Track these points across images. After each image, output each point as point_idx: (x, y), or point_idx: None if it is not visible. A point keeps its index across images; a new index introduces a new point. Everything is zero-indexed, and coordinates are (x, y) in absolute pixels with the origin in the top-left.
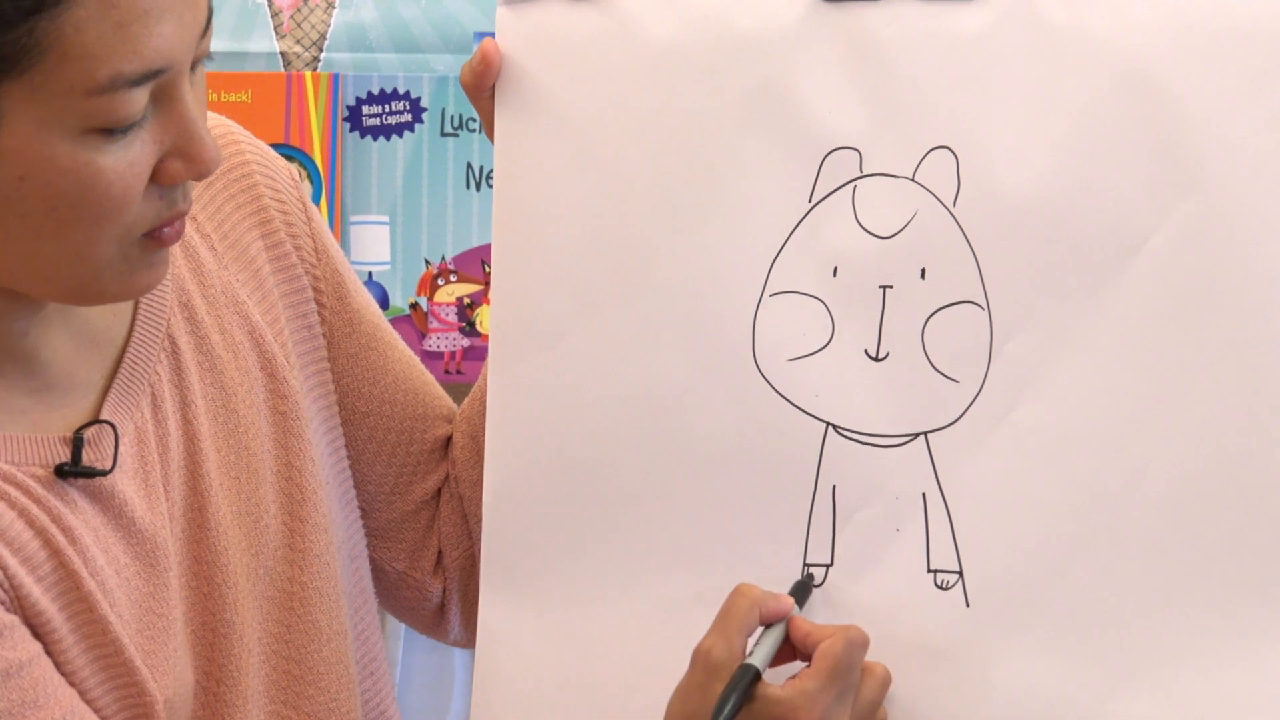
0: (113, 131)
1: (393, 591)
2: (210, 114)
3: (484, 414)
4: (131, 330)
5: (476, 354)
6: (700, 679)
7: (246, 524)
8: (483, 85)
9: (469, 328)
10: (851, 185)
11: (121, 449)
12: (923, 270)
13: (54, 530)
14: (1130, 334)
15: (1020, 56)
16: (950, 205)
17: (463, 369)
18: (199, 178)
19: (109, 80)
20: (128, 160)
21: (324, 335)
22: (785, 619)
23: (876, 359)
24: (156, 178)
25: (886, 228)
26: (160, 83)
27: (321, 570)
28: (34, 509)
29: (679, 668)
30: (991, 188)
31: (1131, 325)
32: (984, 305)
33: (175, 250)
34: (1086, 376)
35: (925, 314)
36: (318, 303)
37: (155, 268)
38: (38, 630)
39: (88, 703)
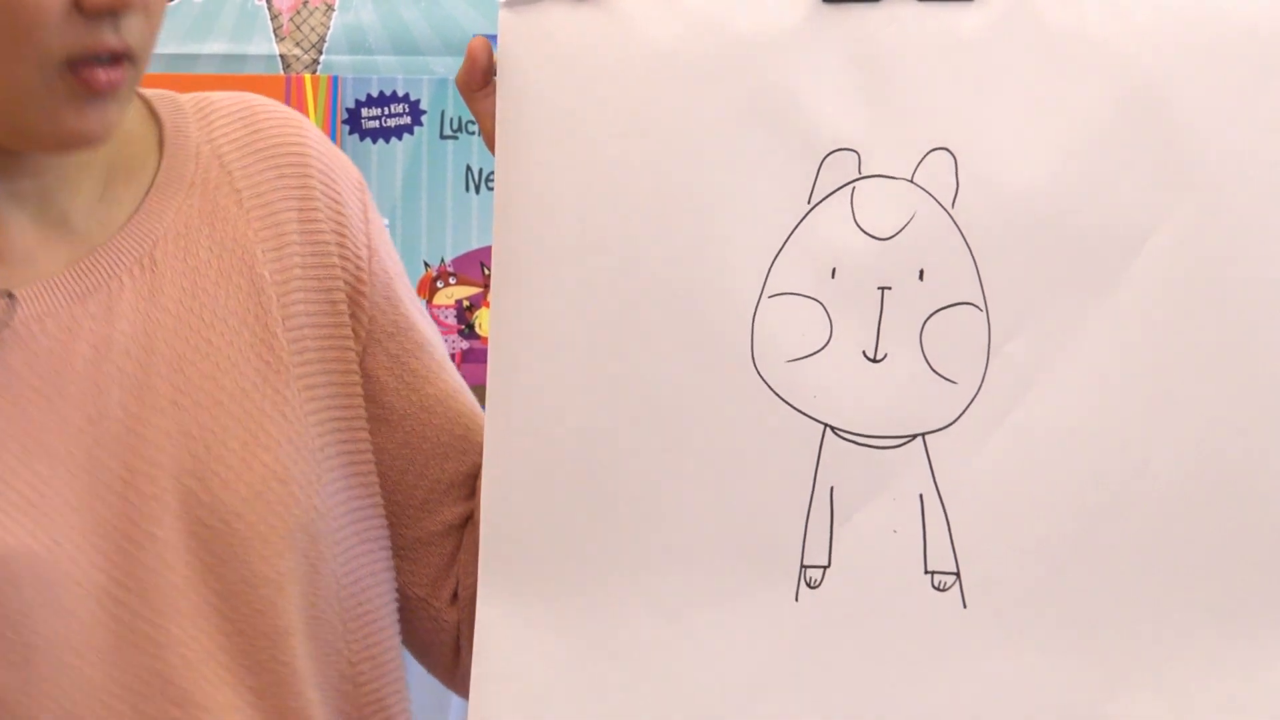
0: None
1: (412, 622)
2: (283, 107)
3: None
4: (112, 240)
5: (476, 356)
6: None
7: (197, 449)
8: (474, 84)
9: (468, 330)
10: (850, 186)
11: (34, 331)
12: (921, 271)
13: None
14: (1129, 335)
15: (1019, 58)
16: (949, 206)
17: (462, 372)
18: (119, 8)
19: None
20: None
21: (364, 327)
22: None
23: (874, 360)
24: (79, 5)
25: (885, 229)
26: None
27: (271, 518)
28: None
29: (677, 669)
30: (990, 189)
31: (1131, 326)
32: (982, 306)
33: (190, 195)
34: (1085, 378)
35: (923, 315)
36: (357, 292)
37: (87, 116)
38: None
39: None
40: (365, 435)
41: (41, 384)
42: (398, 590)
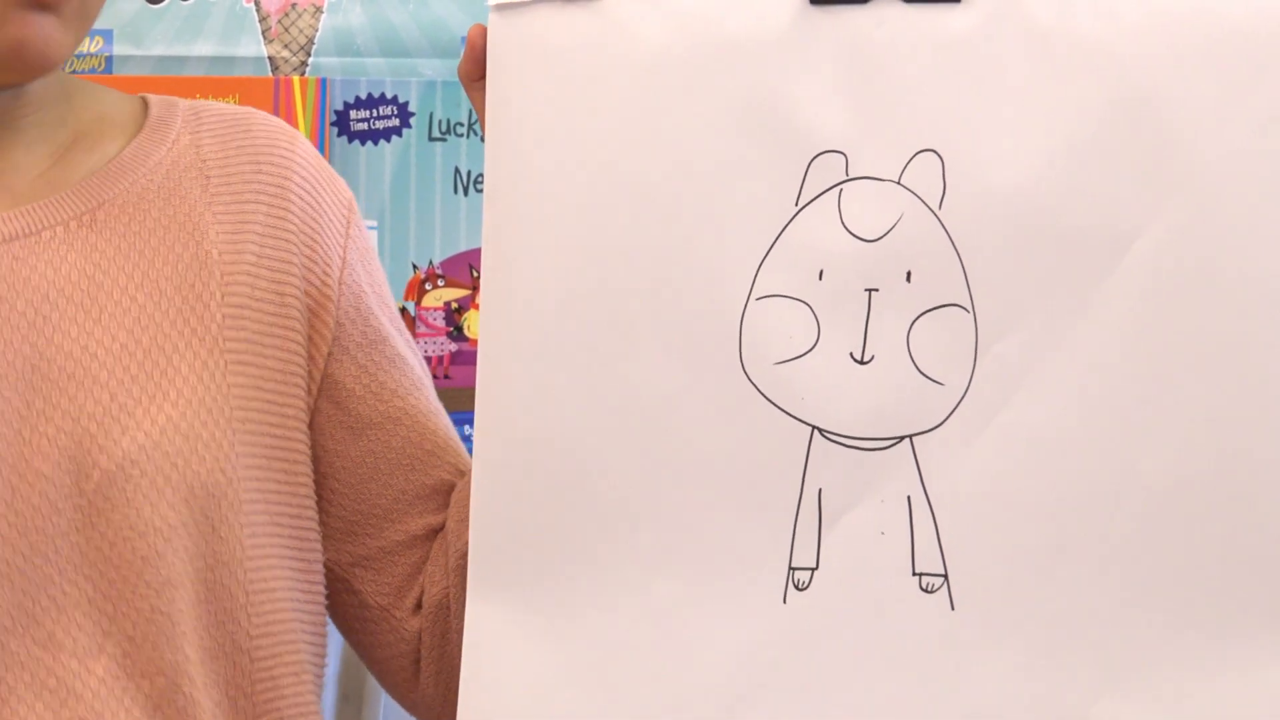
0: None
1: (373, 633)
2: (279, 120)
3: None
4: (56, 197)
5: (464, 359)
6: None
7: (102, 395)
8: (473, 74)
9: (457, 332)
10: (838, 188)
11: None
12: (908, 273)
13: None
14: (1117, 336)
15: (1008, 59)
16: (936, 208)
17: (450, 374)
18: None
19: None
20: None
21: (330, 331)
22: None
23: (862, 362)
24: None
25: (872, 231)
26: None
27: (168, 469)
28: None
29: (666, 671)
30: (978, 190)
31: (1119, 328)
32: (969, 308)
33: (154, 172)
34: (1073, 379)
35: (911, 317)
36: (322, 294)
37: (29, 23)
38: None
39: None
40: (299, 427)
41: None
42: (359, 600)
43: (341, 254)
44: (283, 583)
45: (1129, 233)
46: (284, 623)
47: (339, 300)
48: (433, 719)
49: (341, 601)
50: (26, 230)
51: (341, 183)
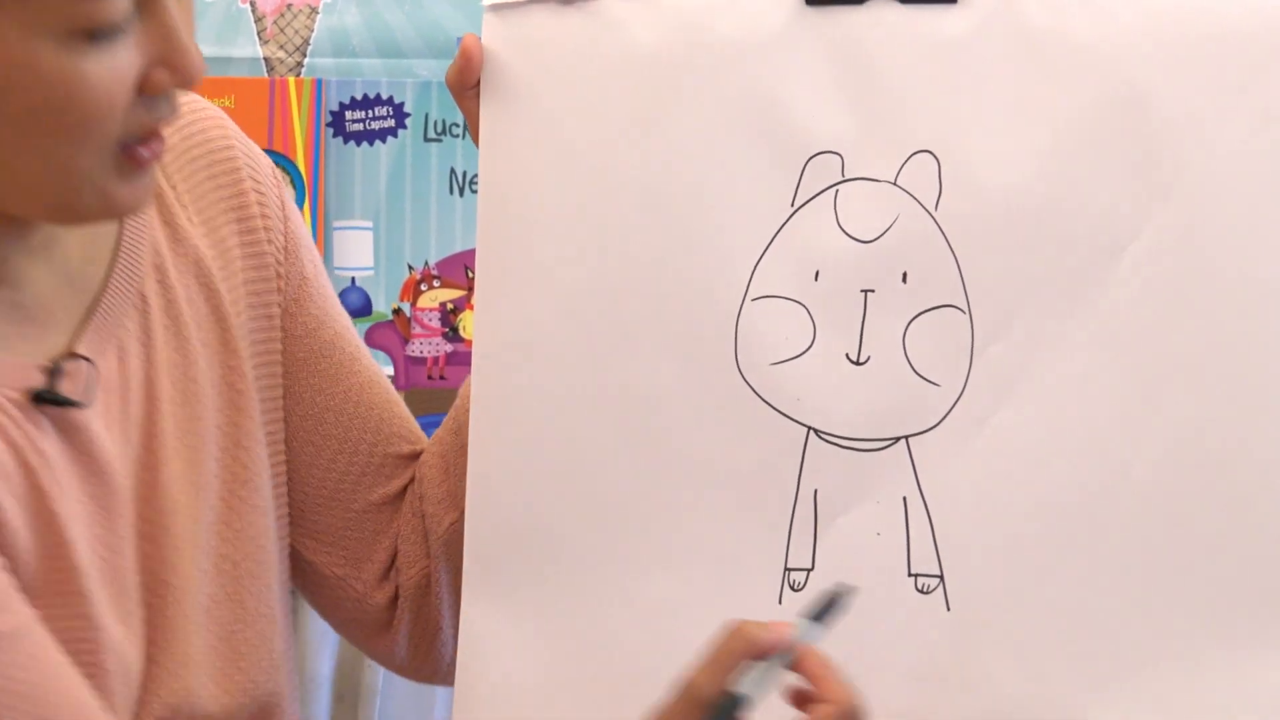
0: (96, 37)
1: (332, 599)
2: (205, 102)
3: (455, 433)
4: (108, 278)
5: (460, 359)
6: (682, 708)
7: (191, 493)
8: (466, 82)
9: (452, 333)
10: (833, 189)
11: (93, 389)
12: (904, 274)
13: (28, 450)
14: (1111, 338)
15: (1003, 61)
16: (932, 209)
17: (445, 374)
18: (184, 86)
19: None
20: (112, 66)
21: (282, 331)
22: (786, 650)
23: (858, 363)
24: (141, 88)
25: (868, 232)
26: None
27: (254, 552)
28: (10, 427)
29: (662, 673)
30: (973, 191)
31: (1113, 329)
32: (965, 309)
33: (153, 215)
34: (1067, 380)
35: (907, 318)
36: (282, 296)
37: (135, 188)
38: (3, 546)
39: None
40: (282, 437)
41: (111, 451)
42: (314, 571)
43: (284, 242)
44: (278, 625)
45: (1125, 234)
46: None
47: (286, 290)
48: (398, 670)
49: (297, 569)
50: (106, 337)
51: (268, 160)
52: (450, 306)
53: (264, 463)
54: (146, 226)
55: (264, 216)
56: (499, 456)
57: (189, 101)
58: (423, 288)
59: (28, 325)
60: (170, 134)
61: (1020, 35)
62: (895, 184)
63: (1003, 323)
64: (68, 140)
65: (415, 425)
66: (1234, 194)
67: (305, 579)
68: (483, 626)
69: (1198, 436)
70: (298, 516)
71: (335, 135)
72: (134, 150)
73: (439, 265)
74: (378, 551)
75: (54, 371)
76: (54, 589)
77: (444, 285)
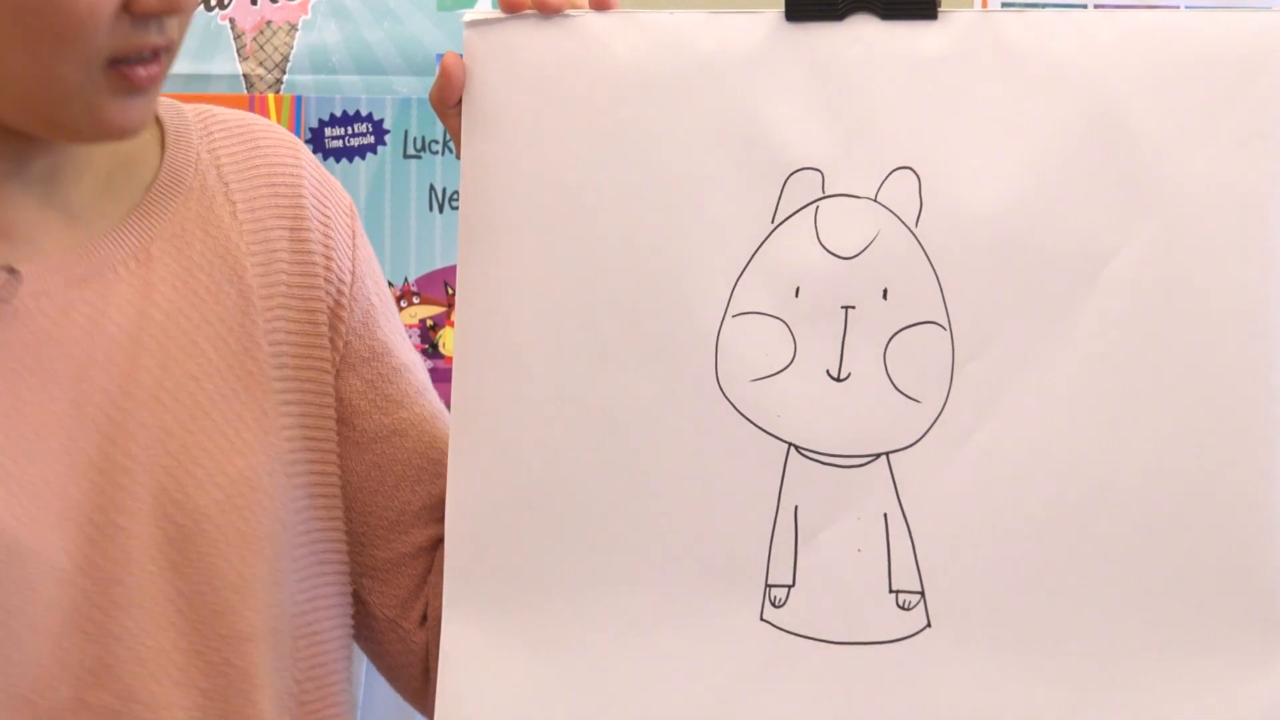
0: None
1: (381, 643)
2: (281, 129)
3: None
4: (111, 229)
5: (440, 376)
6: None
7: (173, 446)
8: (447, 101)
9: (432, 350)
10: (814, 206)
11: (32, 309)
12: (885, 291)
13: None
14: (1092, 354)
15: (983, 78)
16: (912, 226)
17: None
18: (170, 11)
19: None
20: None
21: (339, 351)
22: None
23: (838, 379)
24: (129, 7)
25: (849, 248)
26: None
27: (240, 523)
28: None
29: (643, 689)
30: (954, 208)
31: (1093, 346)
32: (946, 325)
33: (186, 199)
34: (1048, 397)
35: (887, 334)
36: (336, 316)
37: (128, 110)
38: None
39: None
40: (334, 460)
41: (34, 362)
42: (366, 611)
43: (351, 267)
44: (328, 623)
45: (1104, 251)
46: (329, 664)
47: (350, 317)
48: None
49: (356, 618)
50: (92, 272)
51: (343, 190)
52: (430, 323)
53: (265, 445)
54: (174, 202)
55: (325, 236)
56: (479, 473)
57: (264, 125)
58: (402, 304)
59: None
60: (237, 146)
61: (1000, 53)
62: (876, 200)
63: (983, 339)
64: (52, 48)
65: None
66: (1213, 212)
67: (360, 625)
68: (463, 643)
69: (1178, 453)
70: (355, 548)
71: (315, 152)
72: (125, 69)
73: (419, 282)
74: (421, 594)
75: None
76: None
77: (424, 302)
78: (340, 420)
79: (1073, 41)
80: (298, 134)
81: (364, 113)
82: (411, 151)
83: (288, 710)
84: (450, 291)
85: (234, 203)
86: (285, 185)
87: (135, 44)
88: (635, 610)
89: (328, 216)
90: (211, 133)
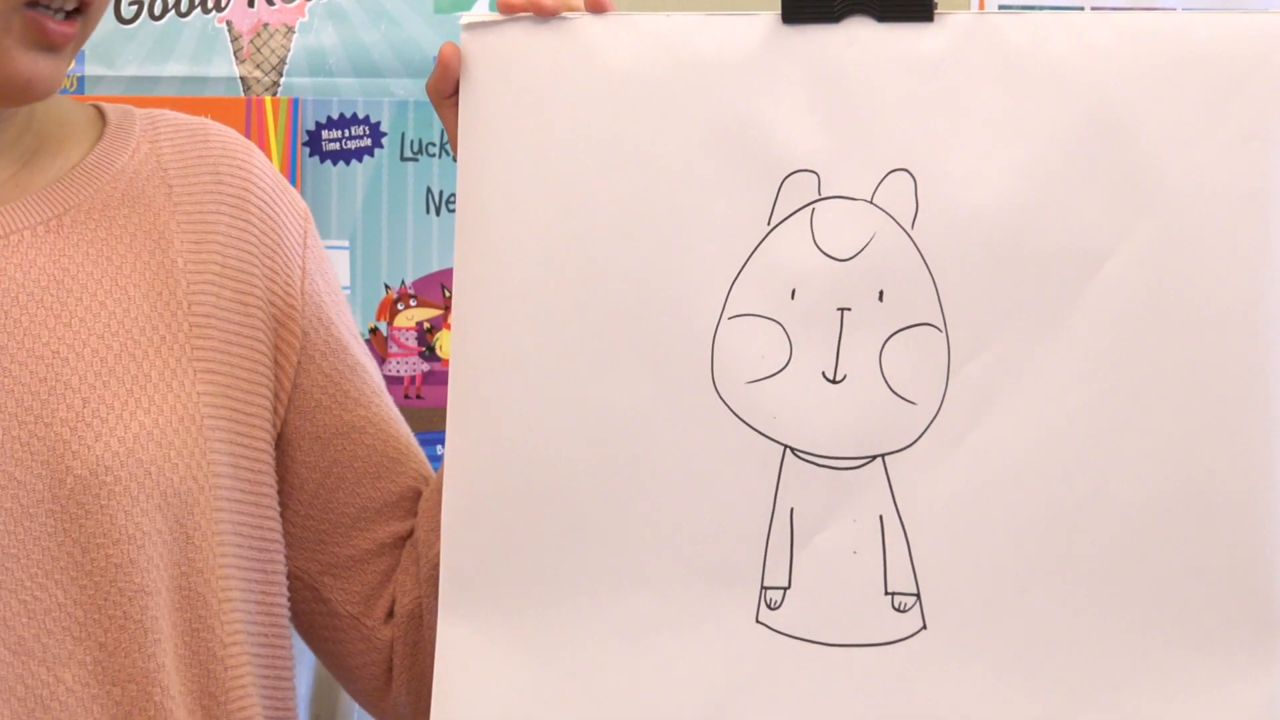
0: None
1: (342, 641)
2: (236, 132)
3: None
4: (22, 200)
5: (437, 379)
6: None
7: (74, 401)
8: (443, 90)
9: (429, 352)
10: (810, 208)
11: None
12: (881, 292)
13: None
14: (1088, 356)
15: (979, 79)
16: (908, 227)
17: (423, 394)
18: None
19: None
20: None
21: (296, 341)
22: None
23: (834, 381)
24: None
25: (845, 250)
26: None
27: (142, 477)
28: None
29: (639, 690)
30: (950, 210)
31: (1089, 347)
32: (942, 327)
33: (118, 178)
34: (1044, 398)
35: (883, 336)
36: (287, 305)
37: (37, 64)
38: None
39: None
40: (264, 437)
41: None
42: (328, 609)
43: (301, 264)
44: (240, 593)
45: (1100, 252)
46: (240, 633)
47: (303, 310)
48: None
49: (310, 610)
50: None
51: (296, 194)
52: (427, 326)
53: (173, 406)
54: (97, 182)
55: (272, 228)
56: (475, 474)
57: (218, 127)
58: (399, 307)
59: None
60: (185, 143)
61: (997, 54)
62: (872, 202)
63: (979, 341)
64: None
65: (428, 464)
66: (1209, 213)
67: (317, 621)
68: (460, 645)
69: (1173, 455)
70: (317, 545)
71: (311, 154)
72: (42, 18)
73: (415, 284)
74: (386, 589)
75: None
76: None
77: (420, 304)
78: (301, 413)
79: (1069, 43)
80: (294, 136)
81: (361, 115)
82: (409, 154)
83: (205, 670)
84: (447, 294)
85: (171, 187)
86: (231, 177)
87: None
88: (631, 612)
89: (275, 213)
90: (158, 129)
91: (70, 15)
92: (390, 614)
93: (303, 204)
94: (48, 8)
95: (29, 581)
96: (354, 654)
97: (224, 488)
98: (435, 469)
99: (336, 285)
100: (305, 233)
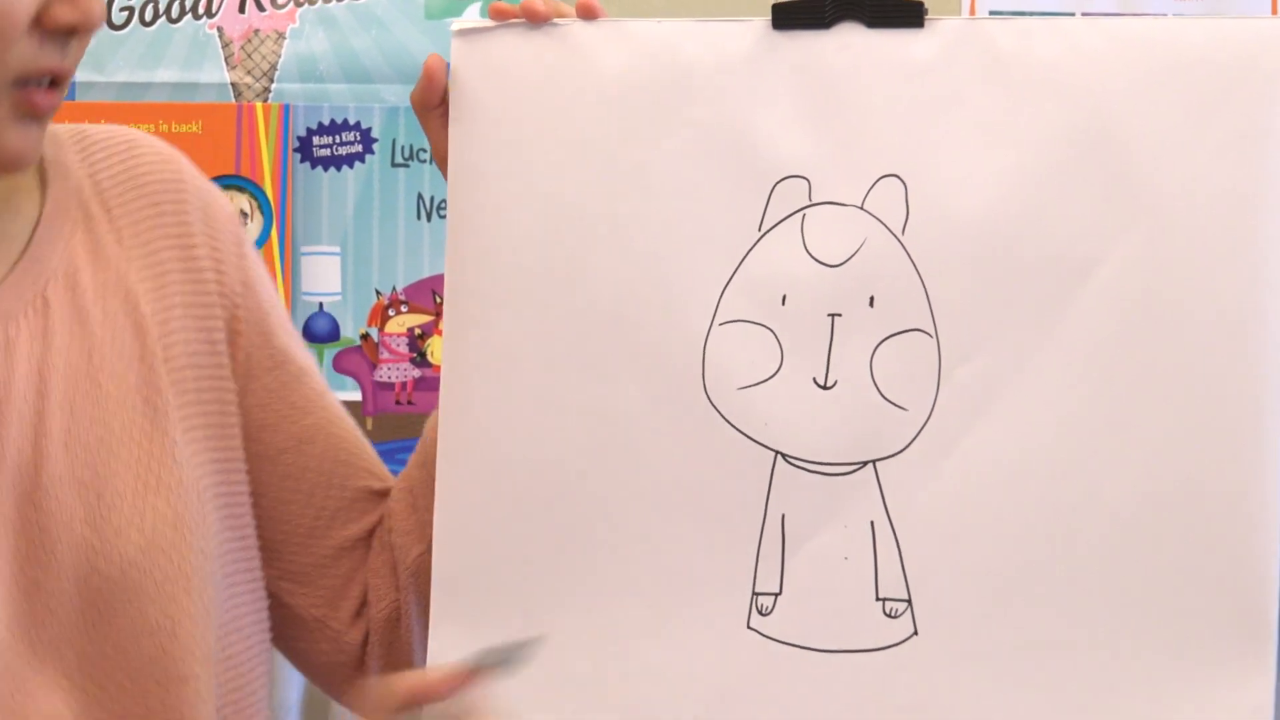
0: None
1: (311, 643)
2: (161, 143)
3: (421, 466)
4: (7, 277)
5: (428, 384)
6: None
7: (89, 496)
8: (429, 102)
9: (420, 358)
10: (800, 214)
11: None
12: (871, 298)
13: None
14: (1079, 361)
15: (970, 85)
16: (899, 233)
17: (414, 400)
18: (83, 28)
19: None
20: None
21: (240, 364)
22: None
23: (825, 387)
24: (41, 21)
25: (835, 256)
26: None
27: (165, 565)
28: None
29: (630, 697)
30: (940, 215)
31: (1080, 352)
32: (932, 333)
33: (73, 233)
34: (1035, 404)
35: (874, 342)
36: (233, 330)
37: (26, 137)
38: None
39: None
40: (242, 476)
41: None
42: (291, 614)
43: (242, 277)
44: (247, 641)
45: (1090, 258)
46: (251, 683)
47: (247, 329)
48: None
49: (272, 615)
50: None
51: (225, 200)
52: (418, 332)
53: (183, 477)
54: (61, 239)
55: (214, 250)
56: (466, 481)
57: (143, 141)
58: (390, 313)
59: None
60: (116, 166)
61: (987, 60)
62: (862, 208)
63: (970, 346)
64: None
65: (382, 464)
66: (1200, 217)
67: (284, 627)
68: (451, 652)
69: (1165, 459)
70: (274, 556)
71: (303, 160)
72: (30, 94)
73: (407, 290)
74: (352, 589)
75: None
76: None
77: (412, 310)
78: (247, 435)
79: (1059, 49)
80: (285, 142)
81: (352, 121)
82: (399, 160)
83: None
84: (438, 300)
85: (119, 230)
86: (169, 204)
87: (41, 64)
88: (622, 618)
89: (214, 230)
90: (91, 155)
91: (54, 83)
92: (358, 614)
93: (230, 207)
94: (38, 84)
95: (66, 683)
96: (321, 654)
97: (220, 542)
98: None
99: (271, 287)
100: (239, 240)
